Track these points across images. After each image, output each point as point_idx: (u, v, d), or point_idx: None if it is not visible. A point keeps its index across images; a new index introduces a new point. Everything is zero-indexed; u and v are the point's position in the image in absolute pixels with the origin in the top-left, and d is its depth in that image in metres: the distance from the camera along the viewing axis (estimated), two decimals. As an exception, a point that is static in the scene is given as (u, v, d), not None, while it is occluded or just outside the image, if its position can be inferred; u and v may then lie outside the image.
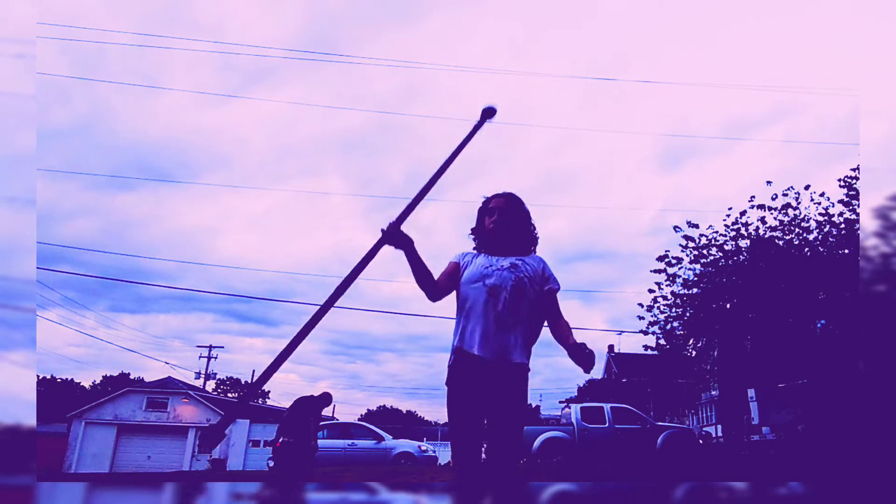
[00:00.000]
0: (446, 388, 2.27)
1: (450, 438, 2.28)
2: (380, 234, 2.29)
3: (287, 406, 8.81)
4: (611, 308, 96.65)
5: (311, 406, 7.74)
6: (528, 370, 2.28)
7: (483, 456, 2.22)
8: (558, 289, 2.41)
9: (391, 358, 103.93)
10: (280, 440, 7.55)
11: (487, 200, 2.53)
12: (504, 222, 2.44)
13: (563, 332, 2.34)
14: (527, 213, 2.52)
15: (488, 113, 2.58)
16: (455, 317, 2.37)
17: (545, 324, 2.43)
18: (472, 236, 2.56)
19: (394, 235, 2.28)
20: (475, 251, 2.52)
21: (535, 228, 2.54)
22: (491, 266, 2.35)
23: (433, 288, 2.37)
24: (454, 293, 2.41)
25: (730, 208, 12.70)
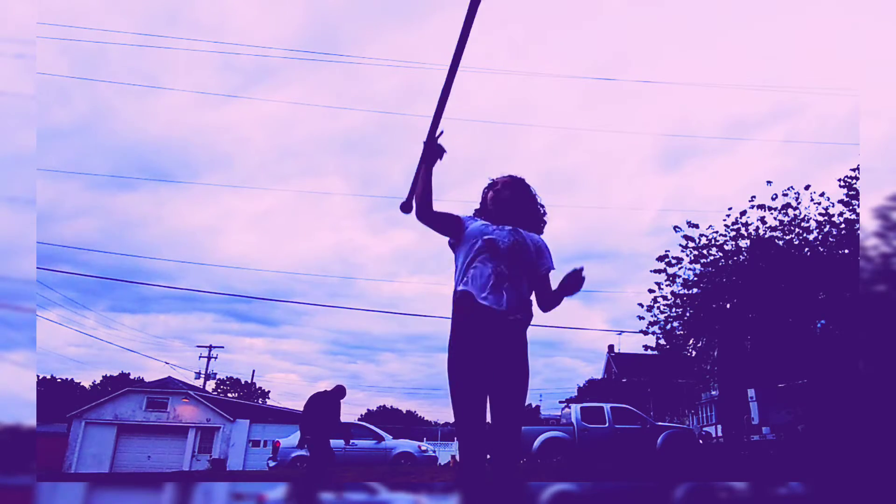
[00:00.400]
0: (452, 335, 2.26)
1: (452, 394, 2.18)
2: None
3: (287, 404, 8.83)
4: (611, 308, 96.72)
5: (325, 401, 7.75)
6: (528, 324, 2.33)
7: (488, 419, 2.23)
8: (552, 268, 2.48)
9: (391, 358, 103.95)
10: (302, 438, 7.62)
11: (493, 182, 2.61)
12: (504, 195, 2.51)
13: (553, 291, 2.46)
14: (531, 193, 2.58)
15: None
16: (456, 271, 2.40)
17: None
18: (475, 215, 2.61)
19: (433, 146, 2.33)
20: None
21: (543, 209, 2.61)
22: (490, 226, 2.42)
23: (429, 204, 2.36)
24: (448, 246, 2.49)
25: (730, 208, 12.71)
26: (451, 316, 2.31)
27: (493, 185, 2.57)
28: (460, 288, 2.30)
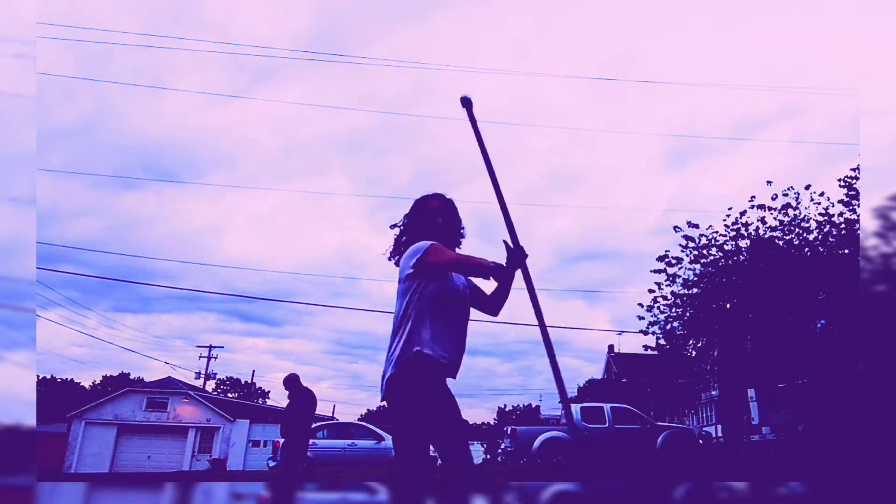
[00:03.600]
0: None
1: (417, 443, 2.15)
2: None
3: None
4: (615, 308, 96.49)
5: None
6: (400, 381, 2.19)
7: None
8: (408, 270, 2.32)
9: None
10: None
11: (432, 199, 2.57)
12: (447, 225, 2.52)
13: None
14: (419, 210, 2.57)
15: (465, 103, 2.52)
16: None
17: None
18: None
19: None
20: None
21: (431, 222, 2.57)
22: None
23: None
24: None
25: (730, 208, 12.71)
26: None
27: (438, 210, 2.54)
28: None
